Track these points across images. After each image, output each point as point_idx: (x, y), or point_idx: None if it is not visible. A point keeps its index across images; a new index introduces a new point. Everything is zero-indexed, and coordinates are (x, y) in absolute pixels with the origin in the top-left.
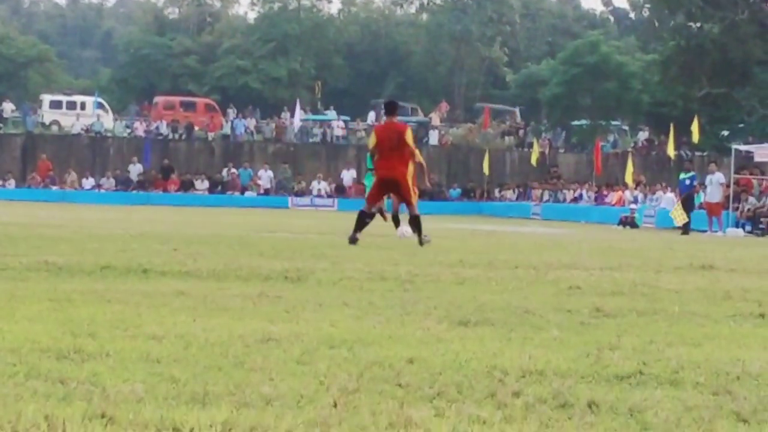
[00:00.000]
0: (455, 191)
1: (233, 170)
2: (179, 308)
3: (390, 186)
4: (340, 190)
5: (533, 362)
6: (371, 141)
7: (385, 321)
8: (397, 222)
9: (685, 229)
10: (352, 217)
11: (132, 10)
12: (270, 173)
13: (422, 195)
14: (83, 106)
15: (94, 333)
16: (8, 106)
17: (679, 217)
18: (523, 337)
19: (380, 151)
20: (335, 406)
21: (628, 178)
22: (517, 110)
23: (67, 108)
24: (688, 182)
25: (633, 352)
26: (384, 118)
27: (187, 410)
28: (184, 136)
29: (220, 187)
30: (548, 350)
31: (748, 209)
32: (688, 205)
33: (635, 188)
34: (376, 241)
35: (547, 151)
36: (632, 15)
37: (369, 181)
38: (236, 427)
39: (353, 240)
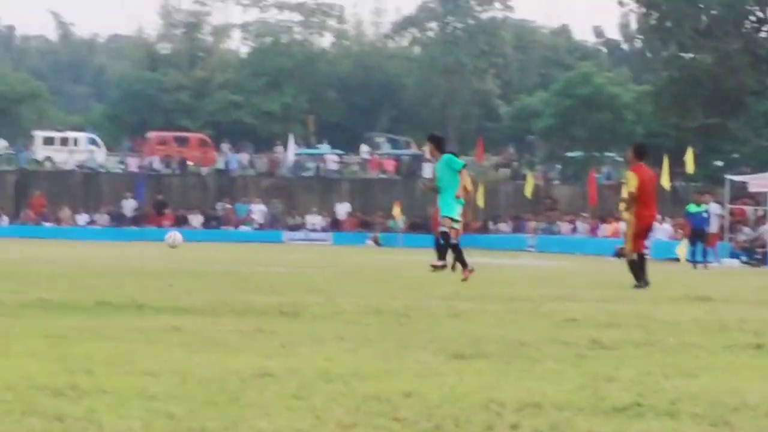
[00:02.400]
0: None
1: (227, 205)
2: (175, 344)
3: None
4: (335, 224)
5: (530, 395)
6: (633, 183)
7: (382, 355)
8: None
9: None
10: (347, 251)
11: (124, 45)
12: (264, 207)
13: (418, 228)
14: (76, 142)
15: (90, 369)
16: (1, 143)
17: (683, 252)
18: (519, 370)
19: (643, 194)
20: None
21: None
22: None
23: (60, 144)
24: (705, 215)
25: (630, 383)
26: (635, 162)
27: None
28: (177, 171)
29: (214, 222)
30: (545, 382)
31: (744, 239)
32: (704, 237)
33: None
34: (371, 275)
35: (541, 183)
36: (624, 46)
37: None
38: None
39: (643, 286)
